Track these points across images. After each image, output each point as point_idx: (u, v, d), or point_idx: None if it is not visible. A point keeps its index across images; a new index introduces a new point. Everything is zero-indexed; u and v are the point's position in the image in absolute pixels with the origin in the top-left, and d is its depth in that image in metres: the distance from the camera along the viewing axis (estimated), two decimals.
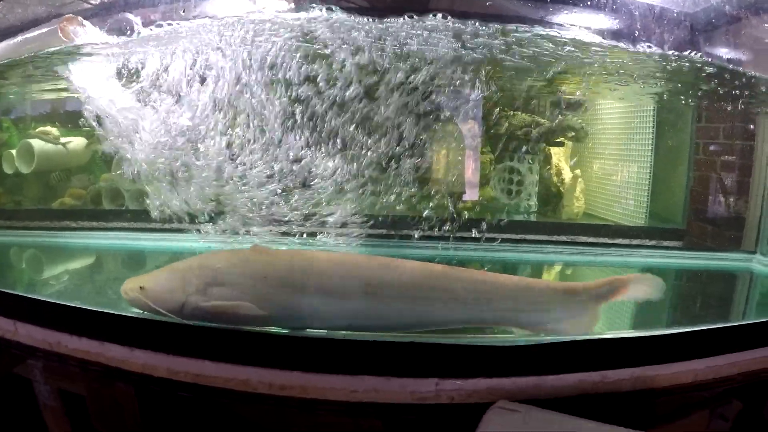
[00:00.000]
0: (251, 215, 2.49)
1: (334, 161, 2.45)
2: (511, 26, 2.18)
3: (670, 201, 3.73)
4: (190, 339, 1.73)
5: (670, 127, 3.71)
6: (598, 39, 2.28)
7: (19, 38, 2.61)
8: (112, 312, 1.83)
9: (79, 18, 2.43)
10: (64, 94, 3.86)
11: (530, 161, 3.82)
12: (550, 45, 2.36)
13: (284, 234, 2.53)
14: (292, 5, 2.20)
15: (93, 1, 2.50)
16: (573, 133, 3.92)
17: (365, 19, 2.14)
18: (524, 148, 3.82)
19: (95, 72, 2.61)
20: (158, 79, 2.45)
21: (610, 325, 2.18)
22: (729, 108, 3.30)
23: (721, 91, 3.04)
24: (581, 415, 1.47)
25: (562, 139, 3.95)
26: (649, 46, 2.29)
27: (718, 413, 1.81)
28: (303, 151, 2.43)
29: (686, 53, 2.35)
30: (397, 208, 2.63)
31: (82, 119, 2.63)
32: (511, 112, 3.67)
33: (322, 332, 1.81)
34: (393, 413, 1.61)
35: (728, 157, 3.45)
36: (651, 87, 3.30)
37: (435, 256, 2.53)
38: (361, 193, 2.52)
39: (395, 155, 2.48)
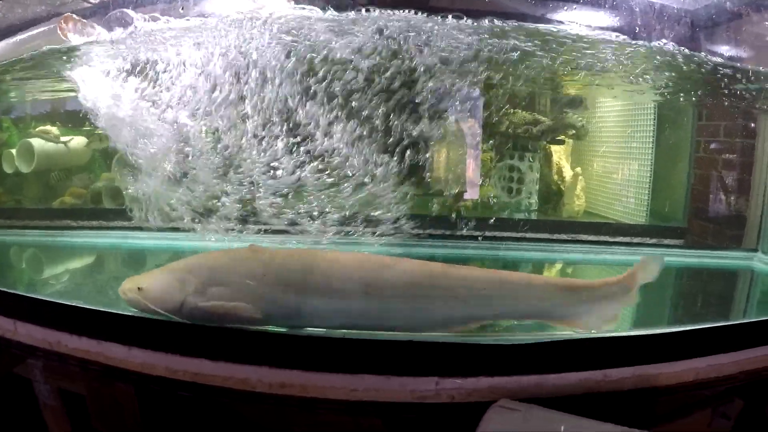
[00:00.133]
0: (252, 216, 2.49)
1: (335, 160, 2.45)
2: (511, 23, 2.17)
3: (671, 199, 3.72)
4: (189, 338, 1.73)
5: (670, 124, 3.70)
6: (598, 36, 2.27)
7: (19, 37, 2.61)
8: (111, 311, 1.82)
9: (78, 17, 2.43)
10: (64, 93, 3.86)
11: (531, 159, 3.81)
12: (551, 42, 2.35)
13: (285, 233, 2.52)
14: (292, 3, 2.20)
15: (92, 0, 2.50)
16: (574, 131, 3.91)
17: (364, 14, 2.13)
18: (524, 146, 3.82)
19: (94, 70, 2.61)
20: (158, 76, 2.44)
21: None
22: (730, 105, 3.29)
23: (721, 89, 3.03)
24: (583, 414, 1.47)
25: (562, 137, 3.94)
26: (650, 43, 2.28)
27: (719, 412, 1.81)
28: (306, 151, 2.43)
29: (687, 50, 2.35)
30: (398, 206, 2.63)
31: (82, 118, 2.63)
32: (512, 110, 3.66)
33: (321, 331, 1.81)
34: (393, 412, 1.61)
35: (729, 154, 3.44)
36: (652, 84, 3.29)
37: (435, 255, 2.54)
38: (362, 192, 2.52)
39: (396, 154, 2.47)
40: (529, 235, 3.52)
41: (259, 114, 2.39)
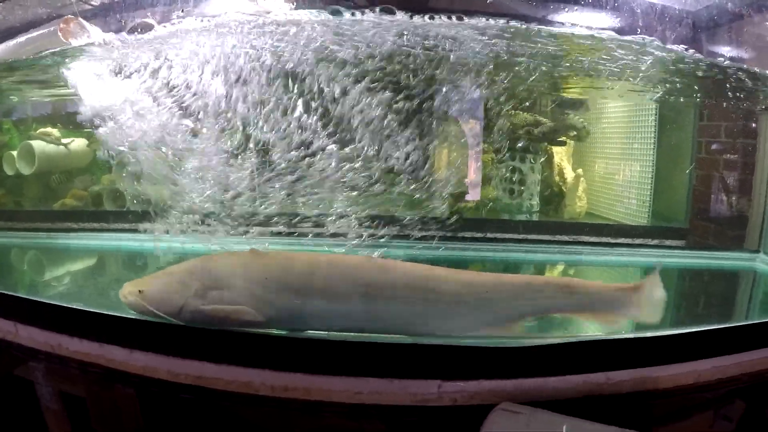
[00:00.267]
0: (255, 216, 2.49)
1: (336, 160, 2.45)
2: (512, 24, 2.17)
3: (672, 200, 3.71)
4: (190, 341, 1.72)
5: (672, 125, 3.69)
6: (599, 37, 2.27)
7: (20, 39, 2.60)
8: (112, 314, 1.82)
9: (79, 19, 2.43)
10: (65, 95, 3.86)
11: (532, 161, 3.81)
12: (552, 43, 2.35)
13: (287, 235, 2.52)
14: (293, 5, 2.19)
15: (93, 2, 2.50)
16: (575, 132, 3.91)
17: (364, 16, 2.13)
18: (524, 146, 3.81)
19: (95, 72, 2.60)
20: (159, 78, 2.44)
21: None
22: (731, 106, 3.29)
23: (723, 89, 3.03)
24: (584, 417, 1.46)
25: (564, 138, 3.94)
26: (651, 44, 2.28)
27: (721, 414, 1.81)
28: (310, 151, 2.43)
29: (688, 51, 2.34)
30: (400, 207, 2.63)
31: (83, 120, 2.63)
32: (513, 111, 3.66)
33: (324, 334, 1.80)
34: (396, 415, 1.61)
35: (731, 155, 3.44)
36: (653, 85, 3.29)
37: (436, 257, 2.53)
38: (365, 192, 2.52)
39: (398, 154, 2.47)
40: (530, 236, 3.52)
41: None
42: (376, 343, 1.69)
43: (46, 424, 1.97)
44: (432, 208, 2.72)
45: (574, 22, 2.23)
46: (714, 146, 3.50)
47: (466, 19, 2.14)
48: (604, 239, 3.56)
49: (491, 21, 2.15)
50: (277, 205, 2.48)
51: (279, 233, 2.53)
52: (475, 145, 3.36)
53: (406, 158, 2.49)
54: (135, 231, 3.40)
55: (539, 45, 2.36)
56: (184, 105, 2.42)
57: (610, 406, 1.65)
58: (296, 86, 2.36)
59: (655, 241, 3.55)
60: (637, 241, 3.55)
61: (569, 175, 4.03)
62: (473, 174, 3.41)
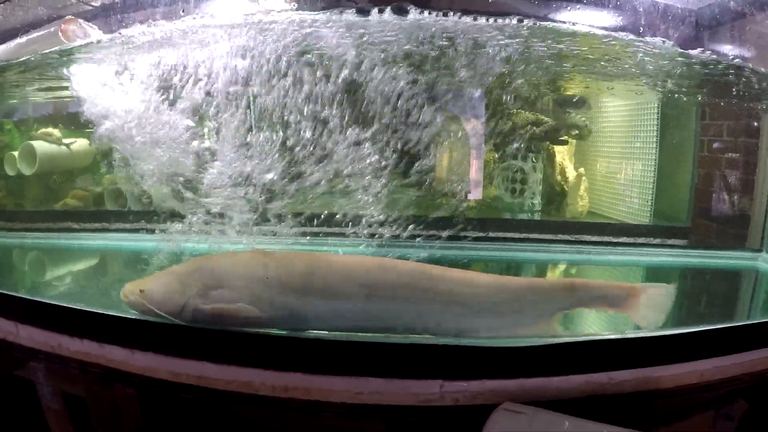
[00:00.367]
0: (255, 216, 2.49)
1: (336, 159, 2.44)
2: (514, 22, 2.16)
3: (674, 199, 3.71)
4: (191, 341, 1.72)
5: (674, 124, 3.69)
6: (601, 36, 2.26)
7: (20, 40, 2.61)
8: (113, 314, 1.82)
9: (80, 20, 2.43)
10: (66, 96, 3.86)
11: (534, 160, 3.80)
12: (554, 42, 2.34)
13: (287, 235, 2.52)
14: (294, 5, 2.19)
15: (94, 3, 2.50)
16: (577, 131, 3.90)
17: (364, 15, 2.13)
18: (527, 146, 3.81)
19: (95, 73, 2.61)
20: (159, 78, 2.44)
21: (615, 325, 2.16)
22: (733, 105, 3.28)
23: (725, 88, 3.02)
24: (587, 417, 1.46)
25: (565, 137, 3.93)
26: (654, 43, 2.27)
27: (723, 413, 1.80)
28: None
29: (690, 50, 2.34)
30: (403, 207, 2.63)
31: (84, 120, 2.63)
32: (515, 111, 3.66)
33: (324, 333, 1.80)
34: (397, 415, 1.60)
35: (733, 154, 3.43)
36: (655, 84, 3.29)
37: (437, 256, 2.53)
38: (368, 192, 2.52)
39: (398, 154, 2.47)
40: (532, 235, 3.51)
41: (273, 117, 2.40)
42: (377, 342, 1.69)
43: (48, 424, 1.97)
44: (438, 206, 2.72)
45: (576, 20, 2.22)
46: (716, 145, 3.49)
47: (464, 17, 2.13)
48: (606, 238, 3.55)
49: (491, 20, 2.15)
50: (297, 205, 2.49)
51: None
52: (478, 144, 3.35)
53: (415, 157, 2.49)
54: (136, 231, 3.42)
55: (541, 43, 2.36)
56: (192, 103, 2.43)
57: (612, 406, 1.65)
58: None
59: (657, 240, 3.54)
60: (639, 240, 3.54)
61: (571, 174, 4.02)
62: (475, 173, 3.41)
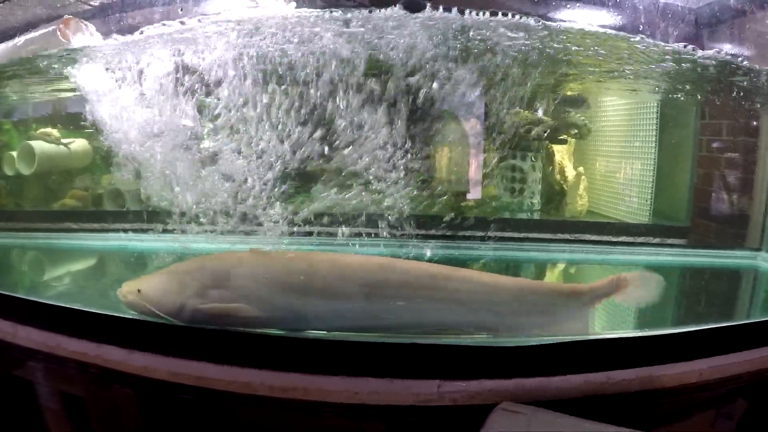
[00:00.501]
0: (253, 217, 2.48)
1: (334, 160, 2.44)
2: (513, 21, 2.16)
3: (674, 198, 3.70)
4: (190, 341, 1.72)
5: (673, 123, 3.68)
6: (601, 34, 2.26)
7: (19, 40, 2.60)
8: (111, 314, 1.81)
9: (78, 19, 2.42)
10: (65, 95, 3.85)
11: (533, 159, 3.80)
12: (553, 41, 2.34)
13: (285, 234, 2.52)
14: (293, 3, 2.19)
15: (93, 3, 2.49)
16: (576, 131, 3.90)
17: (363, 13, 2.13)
18: (526, 146, 3.80)
19: (94, 72, 2.60)
20: (158, 78, 2.44)
21: (614, 325, 2.16)
22: (733, 104, 3.28)
23: (724, 87, 3.02)
24: (586, 417, 1.46)
25: (565, 136, 3.93)
26: (653, 41, 2.27)
27: (723, 412, 1.80)
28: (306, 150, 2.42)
29: (690, 48, 2.34)
30: (401, 207, 2.62)
31: (83, 119, 2.63)
32: (514, 110, 3.65)
33: (323, 334, 1.80)
34: (395, 415, 1.60)
35: (732, 153, 3.43)
36: (654, 83, 3.28)
37: (437, 256, 2.53)
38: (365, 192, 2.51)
39: (397, 154, 2.47)
40: (531, 235, 3.51)
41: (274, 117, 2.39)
42: (376, 342, 1.69)
43: (47, 424, 1.96)
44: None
45: (576, 19, 2.22)
46: (715, 144, 3.49)
47: (465, 15, 2.13)
48: (605, 238, 3.55)
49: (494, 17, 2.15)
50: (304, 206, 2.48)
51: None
52: (476, 143, 3.35)
53: (414, 157, 2.49)
54: (135, 231, 3.42)
55: (542, 42, 2.36)
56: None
57: (611, 406, 1.64)
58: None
59: (657, 240, 3.54)
60: (639, 239, 3.54)
61: (570, 173, 4.01)
62: (474, 172, 3.40)
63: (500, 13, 2.14)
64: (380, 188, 2.51)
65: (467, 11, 2.13)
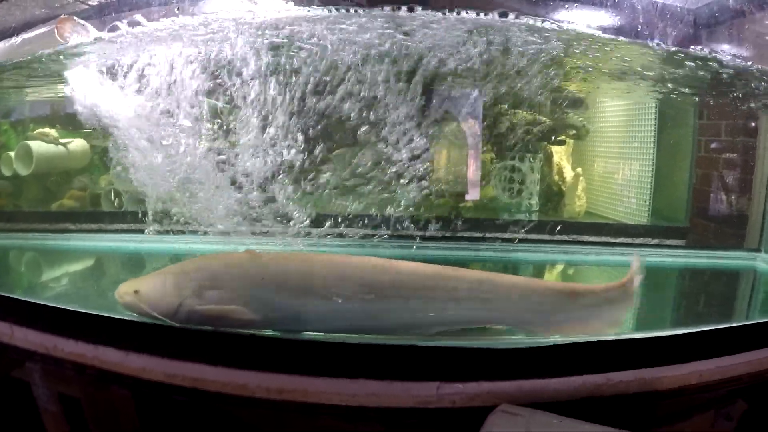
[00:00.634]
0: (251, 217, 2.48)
1: (331, 160, 2.44)
2: (511, 21, 2.16)
3: (672, 199, 3.70)
4: (186, 342, 1.71)
5: (672, 124, 3.68)
6: (599, 35, 2.26)
7: (17, 39, 2.60)
8: (108, 315, 1.81)
9: (76, 19, 2.42)
10: (63, 95, 3.84)
11: (531, 160, 3.80)
12: (552, 41, 2.34)
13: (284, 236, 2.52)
14: (291, 3, 2.18)
15: (90, 2, 2.49)
16: (574, 131, 3.90)
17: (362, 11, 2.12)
18: (524, 146, 3.80)
19: (91, 72, 2.60)
20: (155, 77, 2.43)
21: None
22: (732, 104, 3.28)
23: (723, 88, 3.02)
24: (585, 419, 1.45)
25: (563, 137, 3.93)
26: (652, 42, 2.27)
27: (723, 413, 1.79)
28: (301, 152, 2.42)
29: (689, 49, 2.33)
30: (399, 208, 2.62)
31: (81, 119, 2.62)
32: (512, 111, 3.65)
33: (321, 335, 1.80)
34: (394, 417, 1.59)
35: (731, 154, 3.43)
36: (653, 83, 3.28)
37: (435, 257, 2.52)
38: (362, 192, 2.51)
39: (395, 154, 2.46)
40: (530, 236, 3.51)
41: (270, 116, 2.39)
42: (374, 344, 1.68)
43: (45, 426, 1.96)
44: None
45: (575, 20, 2.22)
46: (714, 145, 3.49)
47: (464, 14, 2.13)
48: (603, 238, 3.55)
49: (489, 16, 2.14)
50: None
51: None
52: (474, 144, 3.35)
53: (414, 157, 2.49)
54: (133, 232, 3.42)
55: (539, 42, 2.35)
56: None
57: (611, 408, 1.64)
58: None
59: (655, 241, 3.54)
60: (637, 240, 3.54)
61: (569, 174, 4.01)
62: (472, 173, 3.40)
63: (497, 14, 2.13)
64: (386, 189, 2.51)
65: (467, 12, 2.13)
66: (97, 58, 2.58)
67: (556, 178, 3.99)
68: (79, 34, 2.41)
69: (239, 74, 2.35)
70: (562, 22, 2.19)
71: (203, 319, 1.71)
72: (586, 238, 3.56)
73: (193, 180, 2.47)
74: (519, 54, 2.44)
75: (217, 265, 1.85)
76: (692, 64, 2.50)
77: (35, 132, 4.00)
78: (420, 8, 2.07)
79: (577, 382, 1.62)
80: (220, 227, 2.46)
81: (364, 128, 2.41)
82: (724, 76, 2.66)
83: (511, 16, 2.12)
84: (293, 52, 2.35)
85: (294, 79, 2.33)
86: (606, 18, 2.24)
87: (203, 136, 2.44)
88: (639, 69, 2.80)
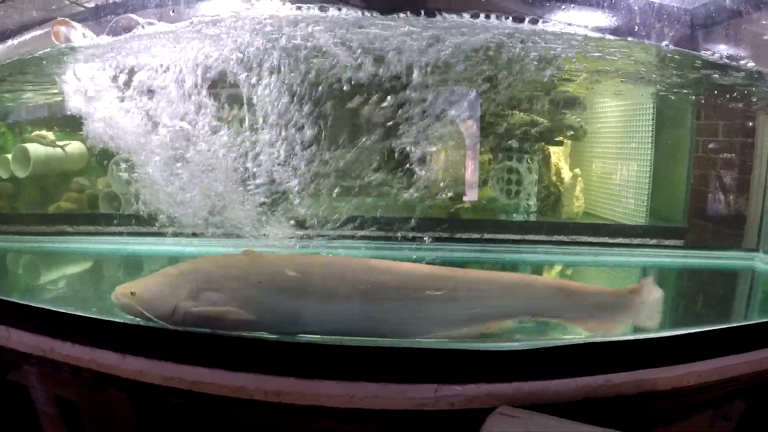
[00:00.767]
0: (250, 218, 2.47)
1: (330, 161, 2.44)
2: (508, 23, 2.15)
3: (670, 199, 3.70)
4: (183, 345, 1.71)
5: (670, 124, 3.68)
6: (596, 36, 2.26)
7: (13, 42, 2.60)
8: (104, 318, 1.81)
9: (72, 21, 2.42)
10: (59, 97, 3.84)
11: (529, 161, 3.79)
12: (549, 42, 2.34)
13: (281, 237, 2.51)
14: (288, 3, 2.18)
15: (87, 5, 2.49)
16: (572, 132, 3.89)
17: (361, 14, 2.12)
18: (522, 147, 3.80)
19: (88, 74, 2.59)
20: (152, 78, 2.43)
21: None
22: (729, 105, 3.28)
23: (721, 88, 3.02)
24: (584, 420, 1.45)
25: (561, 138, 3.93)
26: (649, 42, 2.27)
27: (721, 413, 1.79)
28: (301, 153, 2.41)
29: (686, 49, 2.33)
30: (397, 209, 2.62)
31: (78, 122, 2.62)
32: (510, 112, 3.65)
33: (318, 338, 1.79)
34: (392, 420, 1.59)
35: (729, 154, 3.43)
36: (650, 84, 3.28)
37: (433, 257, 2.51)
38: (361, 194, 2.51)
39: (393, 155, 2.46)
40: (528, 237, 3.51)
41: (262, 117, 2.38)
42: (371, 346, 1.68)
43: (42, 428, 1.96)
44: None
45: (571, 21, 2.22)
46: (712, 145, 3.49)
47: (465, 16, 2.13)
48: (601, 239, 3.55)
49: (489, 20, 2.14)
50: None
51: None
52: (472, 146, 3.34)
53: (410, 159, 2.48)
54: (130, 234, 3.41)
55: (535, 43, 2.35)
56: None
57: (610, 409, 1.64)
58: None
59: (654, 241, 3.54)
60: (636, 240, 3.54)
61: (566, 174, 4.01)
62: (470, 175, 3.40)
63: (494, 16, 2.12)
64: (380, 190, 2.50)
65: (463, 14, 2.13)
66: (93, 60, 2.58)
67: (554, 178, 3.99)
68: (75, 36, 2.41)
69: (241, 74, 2.35)
70: (559, 23, 2.19)
71: (199, 321, 1.71)
72: (584, 238, 3.56)
73: (193, 181, 2.46)
74: (516, 55, 2.43)
75: (213, 266, 1.84)
76: (689, 64, 2.50)
77: (32, 134, 4.00)
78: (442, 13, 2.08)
79: (577, 384, 1.62)
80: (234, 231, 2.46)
81: (364, 128, 2.40)
82: (722, 76, 2.67)
83: (510, 18, 2.12)
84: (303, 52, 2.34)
85: (298, 79, 2.33)
86: (603, 19, 2.23)
87: (202, 136, 2.44)
88: (636, 69, 2.80)
